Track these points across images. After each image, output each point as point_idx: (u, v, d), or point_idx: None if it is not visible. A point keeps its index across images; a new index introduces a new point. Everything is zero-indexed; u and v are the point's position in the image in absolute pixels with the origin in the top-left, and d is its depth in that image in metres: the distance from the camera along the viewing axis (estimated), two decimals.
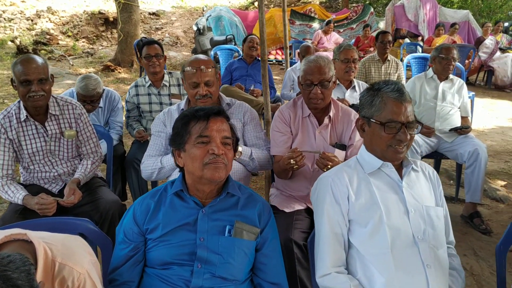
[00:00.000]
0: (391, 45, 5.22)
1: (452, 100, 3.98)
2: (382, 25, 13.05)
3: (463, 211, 3.77)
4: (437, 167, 4.37)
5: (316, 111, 2.51)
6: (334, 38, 9.97)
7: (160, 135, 2.53)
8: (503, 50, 9.84)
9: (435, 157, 4.07)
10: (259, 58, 5.45)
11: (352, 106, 3.53)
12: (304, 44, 5.70)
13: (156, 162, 2.43)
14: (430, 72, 4.10)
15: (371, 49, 9.78)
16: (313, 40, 10.07)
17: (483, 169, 3.58)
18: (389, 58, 5.23)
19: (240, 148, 2.41)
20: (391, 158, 1.70)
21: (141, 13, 13.14)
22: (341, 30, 11.87)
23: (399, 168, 1.76)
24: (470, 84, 9.83)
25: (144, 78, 3.76)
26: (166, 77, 3.74)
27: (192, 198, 1.65)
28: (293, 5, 16.55)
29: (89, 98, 3.44)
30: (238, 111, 2.58)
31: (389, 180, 1.71)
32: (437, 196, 1.77)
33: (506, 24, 13.13)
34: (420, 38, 11.91)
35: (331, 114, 2.49)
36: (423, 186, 1.75)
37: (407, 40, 11.76)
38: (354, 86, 3.95)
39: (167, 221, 1.61)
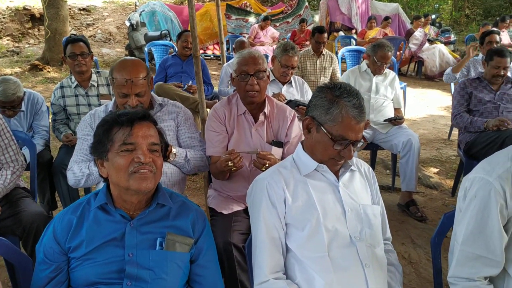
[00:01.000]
0: (325, 45, 5.28)
1: (385, 92, 4.08)
2: (317, 18, 13.27)
3: (400, 200, 3.87)
4: (373, 158, 4.47)
5: (252, 107, 2.44)
6: (271, 33, 9.99)
7: (86, 139, 2.35)
8: (431, 42, 10.29)
9: (371, 148, 4.15)
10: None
11: (289, 102, 3.51)
12: (239, 39, 5.63)
13: (83, 169, 2.27)
14: (363, 65, 4.18)
15: (307, 42, 9.89)
16: (249, 34, 10.03)
17: (417, 158, 3.69)
18: (324, 52, 5.27)
19: (174, 150, 2.30)
20: (329, 167, 1.66)
21: (69, 8, 12.52)
22: (277, 24, 11.92)
23: None
24: (402, 75, 10.21)
25: (70, 79, 3.52)
26: (94, 76, 3.52)
27: (118, 211, 1.52)
28: None
29: (9, 104, 3.18)
30: (171, 111, 2.46)
31: (326, 181, 1.67)
32: (373, 194, 1.75)
33: (433, 16, 13.78)
34: (353, 31, 12.22)
35: (266, 110, 2.44)
36: (359, 185, 1.72)
37: (341, 33, 12.02)
38: (291, 82, 3.94)
39: (92, 237, 1.47)
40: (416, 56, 9.89)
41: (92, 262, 1.46)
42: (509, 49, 9.50)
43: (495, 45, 4.70)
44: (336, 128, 1.55)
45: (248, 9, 12.26)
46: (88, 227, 1.49)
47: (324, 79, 5.20)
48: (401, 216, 3.71)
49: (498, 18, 10.08)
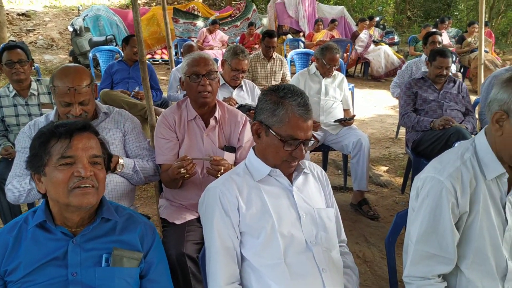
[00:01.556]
0: (275, 49, 5.30)
1: (334, 94, 4.14)
2: (265, 21, 13.36)
3: (352, 199, 3.92)
4: (325, 159, 4.51)
5: (203, 111, 2.38)
6: (220, 36, 9.94)
7: (26, 152, 2.20)
8: (376, 43, 10.59)
9: (323, 149, 4.19)
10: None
11: (240, 107, 3.47)
12: (187, 43, 5.55)
13: (23, 183, 2.12)
14: (312, 68, 4.21)
15: (256, 46, 9.93)
16: (198, 38, 9.94)
17: (367, 158, 3.75)
18: (274, 56, 5.30)
19: (121, 161, 2.20)
20: (283, 171, 1.63)
21: (7, 13, 11.95)
22: (226, 28, 11.89)
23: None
24: (349, 76, 10.45)
25: (8, 88, 3.32)
26: (34, 84, 3.34)
27: (59, 228, 1.42)
28: (176, 3, 16.26)
29: None
30: (117, 120, 2.36)
31: (280, 186, 1.64)
32: (327, 197, 1.74)
33: (377, 18, 14.21)
34: (301, 33, 12.39)
35: (217, 115, 2.39)
36: (313, 188, 1.71)
37: (289, 36, 12.16)
38: (241, 86, 3.91)
39: (30, 258, 1.36)
40: (362, 57, 10.14)
41: (32, 284, 1.35)
42: (449, 49, 9.95)
43: (437, 45, 4.88)
44: (284, 128, 1.54)
45: (196, 13, 12.15)
46: (26, 247, 1.38)
47: (275, 83, 5.21)
48: (354, 216, 3.76)
49: (437, 19, 10.54)
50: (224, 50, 9.50)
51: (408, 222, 1.62)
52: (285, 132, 1.54)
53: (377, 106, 8.02)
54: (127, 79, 4.94)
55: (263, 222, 1.54)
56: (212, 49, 9.41)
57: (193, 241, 2.09)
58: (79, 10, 12.73)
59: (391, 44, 11.32)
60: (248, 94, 3.85)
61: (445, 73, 3.82)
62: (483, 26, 5.43)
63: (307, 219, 1.59)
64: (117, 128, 2.33)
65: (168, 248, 2.02)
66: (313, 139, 1.61)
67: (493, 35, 10.94)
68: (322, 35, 9.95)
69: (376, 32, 11.29)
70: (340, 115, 4.11)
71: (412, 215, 1.58)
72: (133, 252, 1.45)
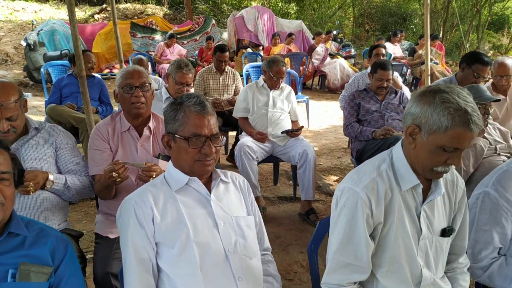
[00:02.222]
0: (227, 63, 5.34)
1: (282, 106, 4.21)
2: (225, 35, 13.48)
3: (300, 209, 3.97)
4: (275, 169, 4.58)
5: (137, 122, 2.42)
6: (177, 50, 9.96)
7: None
8: (332, 56, 10.85)
9: (272, 161, 4.25)
10: (94, 74, 5.15)
11: None
12: (137, 56, 5.56)
13: None
14: (260, 81, 4.28)
15: None
16: (155, 52, 9.92)
17: (313, 168, 3.83)
18: (226, 69, 5.35)
19: (51, 177, 2.17)
20: (200, 173, 1.66)
21: None
22: (185, 42, 11.91)
23: (209, 181, 1.72)
24: (307, 89, 10.65)
25: None
26: None
27: None
28: (136, 17, 16.18)
29: None
30: (48, 135, 2.33)
31: (198, 195, 1.66)
32: (248, 205, 1.78)
33: (334, 32, 14.56)
34: (261, 47, 12.54)
35: (150, 125, 2.44)
36: (233, 197, 1.74)
37: (249, 50, 12.29)
38: None
39: None
40: (319, 70, 10.35)
41: None
42: (402, 61, 10.28)
43: (381, 58, 5.06)
44: (187, 129, 1.62)
45: (154, 27, 12.12)
46: None
47: (228, 96, 5.26)
48: (301, 225, 3.81)
49: (390, 33, 10.89)
50: None
51: (330, 231, 1.66)
52: (188, 132, 1.61)
53: (332, 117, 8.18)
54: (76, 93, 4.85)
55: (178, 232, 1.55)
56: (169, 63, 9.39)
57: (119, 259, 2.08)
58: (33, 24, 12.47)
59: (347, 57, 11.61)
60: None
61: (385, 85, 3.96)
62: (429, 39, 5.72)
63: (225, 227, 1.62)
64: (49, 144, 2.30)
65: (94, 266, 2.03)
66: (221, 135, 1.67)
67: (443, 47, 11.37)
68: (279, 49, 10.10)
69: (332, 46, 11.57)
70: (288, 126, 4.19)
71: (332, 224, 1.63)
72: (42, 266, 1.44)
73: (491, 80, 4.03)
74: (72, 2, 2.90)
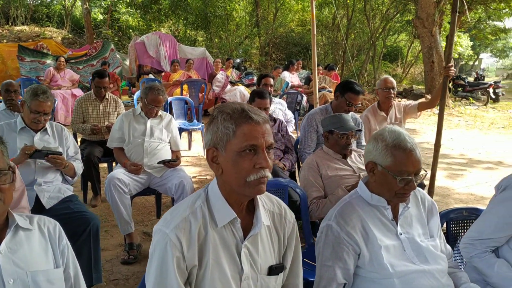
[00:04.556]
0: (107, 89, 5.09)
1: (160, 135, 4.00)
2: (128, 61, 13.11)
3: None
4: (158, 202, 4.35)
5: None
6: (69, 75, 9.37)
7: None
8: (233, 84, 10.90)
9: (148, 193, 4.01)
10: None
11: (35, 152, 3.10)
12: (6, 81, 5.06)
13: None
14: (138, 108, 4.06)
15: (111, 85, 9.60)
16: (44, 77, 9.26)
17: None
18: (107, 96, 5.07)
19: None
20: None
21: None
22: (81, 67, 11.33)
23: (3, 229, 1.46)
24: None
25: None
26: None
27: None
28: (31, 40, 15.21)
29: None
30: None
31: None
32: (57, 256, 1.52)
33: (238, 60, 14.77)
34: (163, 73, 12.32)
35: None
36: (36, 247, 1.49)
37: (151, 76, 12.00)
38: (46, 129, 3.38)
39: None
40: (220, 97, 10.32)
41: None
42: (299, 89, 10.56)
43: (269, 88, 5.11)
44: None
45: (45, 51, 11.38)
46: None
47: (109, 124, 4.95)
48: None
49: (286, 62, 11.24)
50: (73, 90, 9.01)
51: (145, 277, 1.47)
52: None
53: None
54: None
55: None
56: (60, 88, 8.83)
57: None
58: None
59: (250, 85, 11.74)
60: (54, 138, 3.44)
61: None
62: (316, 68, 5.98)
63: (15, 285, 1.37)
64: None
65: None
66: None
67: (338, 77, 11.93)
68: (178, 75, 9.94)
69: (233, 73, 11.66)
70: (167, 156, 3.98)
71: (147, 270, 1.45)
72: None
73: (377, 100, 4.38)
74: None
